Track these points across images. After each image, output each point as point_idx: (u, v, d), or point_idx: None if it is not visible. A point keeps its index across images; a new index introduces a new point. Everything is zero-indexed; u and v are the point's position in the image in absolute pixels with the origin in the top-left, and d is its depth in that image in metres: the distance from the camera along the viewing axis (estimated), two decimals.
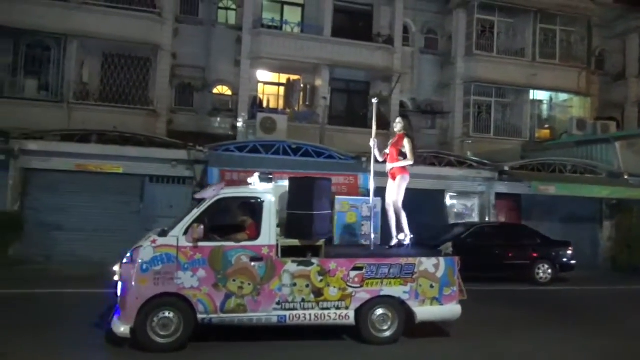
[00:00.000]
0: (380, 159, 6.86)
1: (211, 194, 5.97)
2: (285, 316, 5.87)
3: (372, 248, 6.63)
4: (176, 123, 15.37)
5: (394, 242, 6.72)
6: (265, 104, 16.68)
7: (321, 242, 6.10)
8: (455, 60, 17.43)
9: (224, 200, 6.02)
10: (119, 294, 5.71)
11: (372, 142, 6.83)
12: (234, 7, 16.44)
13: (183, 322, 5.62)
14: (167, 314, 5.62)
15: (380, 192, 11.34)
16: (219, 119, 16.15)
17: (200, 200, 6.04)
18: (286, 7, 17.05)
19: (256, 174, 6.30)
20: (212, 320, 5.73)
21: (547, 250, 11.70)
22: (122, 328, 5.54)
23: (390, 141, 6.87)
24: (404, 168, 6.73)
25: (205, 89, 15.83)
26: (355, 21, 17.94)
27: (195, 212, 5.85)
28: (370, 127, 16.33)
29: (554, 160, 14.53)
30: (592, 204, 14.30)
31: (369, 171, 11.44)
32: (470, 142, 16.87)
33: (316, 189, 6.02)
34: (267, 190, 6.10)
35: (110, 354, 5.61)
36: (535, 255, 11.58)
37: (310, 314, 5.92)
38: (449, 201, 13.53)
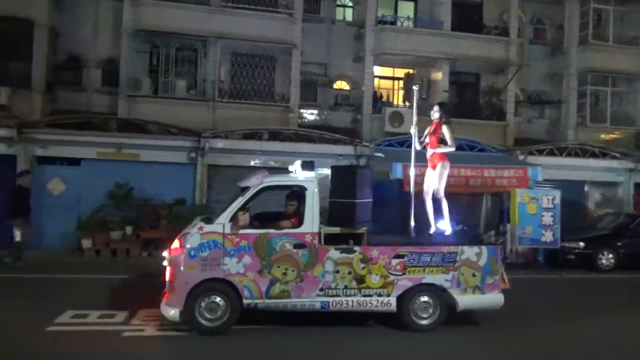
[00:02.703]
0: (418, 148, 6.84)
1: (255, 183, 6.06)
2: (328, 302, 5.94)
3: (412, 236, 6.58)
4: (301, 118, 16.28)
5: (433, 230, 6.67)
6: (384, 99, 17.92)
7: (363, 229, 6.12)
8: (568, 49, 17.06)
9: (268, 189, 6.13)
10: (167, 279, 5.91)
11: (413, 130, 6.84)
12: (350, 4, 16.76)
13: (230, 306, 5.80)
14: (214, 299, 5.80)
15: (569, 184, 11.93)
16: (340, 113, 16.84)
17: (245, 189, 6.13)
18: (399, 2, 17.57)
19: (297, 162, 6.39)
20: (258, 305, 5.87)
21: None
22: (171, 311, 5.77)
23: (428, 130, 6.88)
24: (444, 156, 6.68)
25: (327, 84, 16.55)
26: (466, 13, 17.70)
27: (241, 200, 5.95)
28: (483, 119, 17.20)
29: None
30: None
31: (538, 164, 12.14)
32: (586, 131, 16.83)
33: (358, 178, 6.10)
34: (309, 179, 6.14)
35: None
36: None
37: (352, 301, 5.98)
38: (588, 191, 14.23)
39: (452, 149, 6.69)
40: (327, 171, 6.37)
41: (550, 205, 10.79)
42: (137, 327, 6.06)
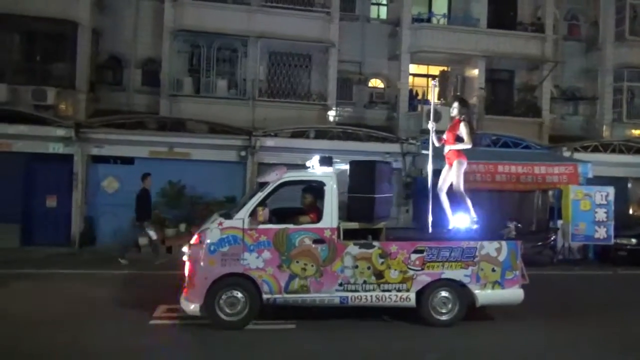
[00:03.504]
0: (437, 144, 6.77)
1: (274, 178, 6.09)
2: (347, 297, 5.95)
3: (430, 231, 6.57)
4: (337, 115, 16.22)
5: (452, 226, 6.57)
6: (420, 96, 18.08)
7: (382, 224, 6.12)
8: (603, 45, 16.89)
9: (287, 184, 6.13)
10: (186, 273, 5.93)
11: (431, 125, 6.78)
12: (384, 2, 16.80)
13: (249, 301, 5.84)
14: (234, 293, 5.84)
15: (612, 181, 11.82)
16: (375, 110, 16.63)
17: (264, 184, 6.14)
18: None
19: (316, 157, 6.34)
20: (277, 300, 5.90)
21: None
22: (191, 306, 5.83)
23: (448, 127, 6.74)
24: (460, 153, 6.56)
25: (362, 82, 16.53)
26: (501, 10, 17.24)
27: (260, 196, 5.98)
28: (518, 115, 17.30)
29: None
30: None
31: (587, 161, 12.04)
32: (623, 127, 16.61)
33: (377, 173, 6.07)
34: (328, 174, 6.13)
35: None
36: None
37: (371, 296, 5.98)
38: (632, 188, 14.15)
39: (468, 147, 6.54)
40: (346, 166, 6.39)
41: (604, 202, 10.86)
42: None
